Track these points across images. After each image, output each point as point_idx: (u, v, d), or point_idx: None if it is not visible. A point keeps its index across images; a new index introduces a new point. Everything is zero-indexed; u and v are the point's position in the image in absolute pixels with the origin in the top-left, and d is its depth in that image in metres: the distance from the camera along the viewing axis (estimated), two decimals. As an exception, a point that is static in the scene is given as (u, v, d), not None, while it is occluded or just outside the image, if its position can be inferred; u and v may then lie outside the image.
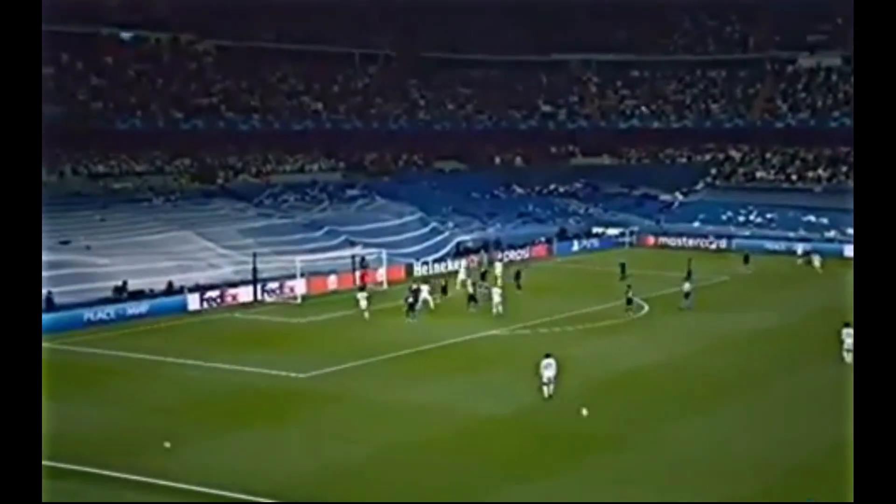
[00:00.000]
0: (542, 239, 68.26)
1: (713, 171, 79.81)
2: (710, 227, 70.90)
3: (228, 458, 24.90)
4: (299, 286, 49.59)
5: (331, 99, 78.36)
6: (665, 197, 78.21)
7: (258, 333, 41.54)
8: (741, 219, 71.93)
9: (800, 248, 62.72)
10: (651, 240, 70.99)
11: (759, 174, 77.89)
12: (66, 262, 46.29)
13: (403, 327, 42.04)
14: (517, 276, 51.09)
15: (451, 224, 67.29)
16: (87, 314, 42.73)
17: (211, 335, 40.97)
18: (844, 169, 72.52)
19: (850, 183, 64.56)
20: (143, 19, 72.87)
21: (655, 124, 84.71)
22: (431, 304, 45.46)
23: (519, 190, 79.40)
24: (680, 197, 77.86)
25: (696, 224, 72.02)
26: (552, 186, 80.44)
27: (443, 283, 49.91)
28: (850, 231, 59.84)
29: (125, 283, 46.12)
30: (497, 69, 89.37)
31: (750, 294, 50.56)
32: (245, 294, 48.17)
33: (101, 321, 42.66)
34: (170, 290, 46.94)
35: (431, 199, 70.87)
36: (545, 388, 29.49)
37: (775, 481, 22.92)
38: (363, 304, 43.86)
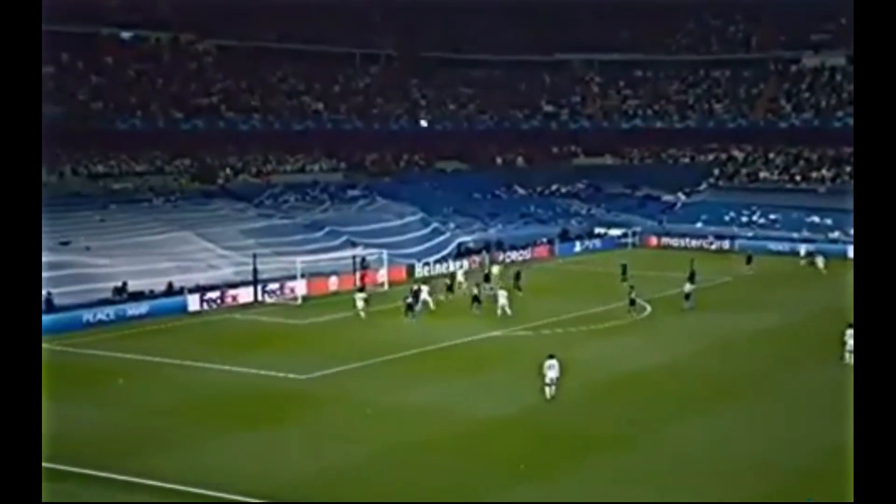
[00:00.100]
0: (544, 240, 68.03)
1: (716, 171, 79.54)
2: (713, 228, 70.67)
3: (228, 459, 24.81)
4: (300, 287, 49.39)
5: (332, 99, 78.17)
6: (668, 197, 77.98)
7: (258, 334, 41.40)
8: (744, 219, 71.71)
9: (803, 248, 62.48)
10: (654, 240, 70.77)
11: (762, 174, 77.64)
12: (66, 263, 46.13)
13: (404, 328, 41.86)
14: (517, 277, 50.75)
15: (452, 225, 67.09)
16: (87, 315, 42.56)
17: (211, 336, 40.83)
18: (848, 169, 72.09)
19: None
20: (143, 19, 72.74)
21: (658, 124, 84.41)
22: (431, 304, 45.24)
23: (521, 190, 79.18)
24: (683, 197, 77.63)
25: (699, 225, 71.79)
26: (554, 187, 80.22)
27: (447, 282, 49.73)
28: (854, 231, 59.62)
29: (125, 283, 45.95)
30: (499, 69, 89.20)
31: (753, 295, 50.35)
32: (245, 295, 47.98)
33: (101, 322, 42.50)
34: (170, 290, 46.76)
35: (433, 200, 70.69)
36: (547, 389, 29.43)
37: (776, 482, 22.88)
38: (360, 304, 43.69)
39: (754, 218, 71.54)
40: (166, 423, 27.72)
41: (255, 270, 48.40)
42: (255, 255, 49.18)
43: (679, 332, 40.99)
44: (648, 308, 45.38)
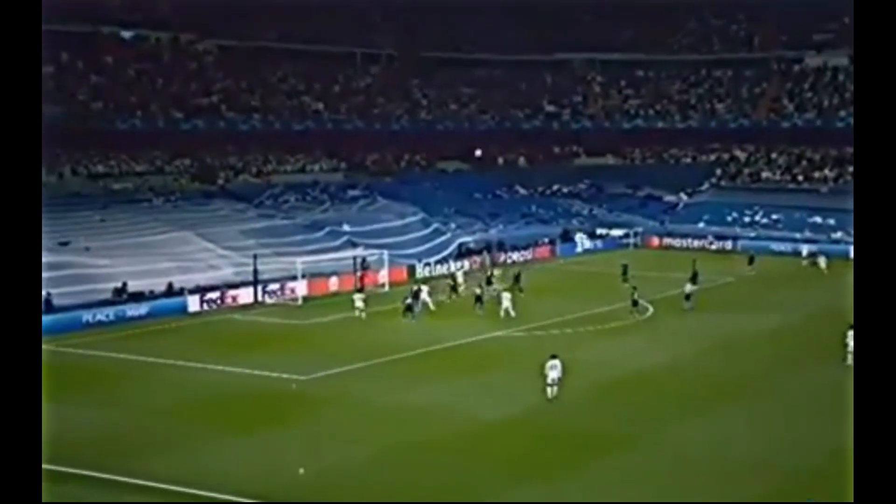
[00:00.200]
0: (546, 240, 67.84)
1: (718, 171, 79.36)
2: (715, 228, 70.50)
3: (228, 460, 24.71)
4: (300, 288, 49.22)
5: (332, 99, 78.00)
6: (670, 198, 77.81)
7: (259, 335, 41.24)
8: (746, 220, 71.54)
9: (805, 249, 62.30)
10: (656, 241, 70.58)
11: (764, 174, 77.47)
12: (66, 264, 45.90)
13: (405, 329, 41.69)
14: (517, 277, 50.45)
15: (453, 225, 66.90)
16: (87, 316, 42.36)
17: (211, 337, 40.66)
18: (851, 169, 71.91)
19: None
20: (143, 18, 72.59)
21: (660, 124, 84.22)
22: (431, 305, 45.05)
23: (522, 190, 78.98)
24: (685, 198, 77.46)
25: (701, 225, 71.61)
26: (555, 187, 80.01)
27: (450, 282, 49.54)
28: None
29: (125, 284, 45.75)
30: (500, 69, 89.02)
31: (755, 296, 50.23)
32: (245, 295, 47.80)
33: (101, 323, 42.30)
34: (170, 291, 46.58)
35: (434, 200, 70.51)
36: (549, 389, 29.43)
37: (776, 482, 22.88)
38: (359, 304, 43.57)
39: (756, 218, 71.37)
40: (166, 425, 27.63)
41: (255, 271, 48.22)
42: (255, 256, 49.00)
43: (681, 332, 40.93)
44: (651, 309, 45.23)
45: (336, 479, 23.27)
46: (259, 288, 48.14)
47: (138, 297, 45.54)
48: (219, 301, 46.80)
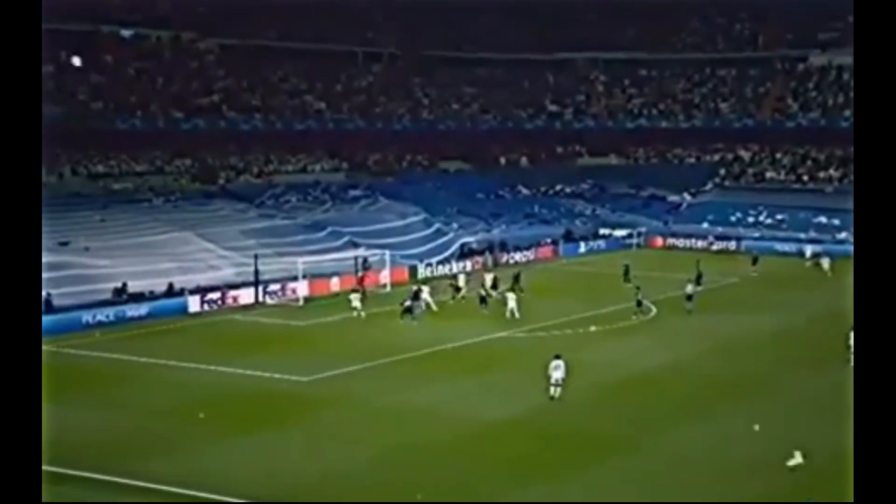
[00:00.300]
0: (548, 240, 67.60)
1: (722, 171, 79.08)
2: (718, 229, 70.18)
3: (229, 461, 24.68)
4: (301, 288, 49.00)
5: (334, 98, 77.77)
6: (673, 198, 77.54)
7: (260, 336, 41.12)
8: (751, 220, 71.24)
9: (809, 249, 62.02)
10: (659, 241, 70.29)
11: (769, 174, 77.18)
12: (66, 264, 45.75)
13: (407, 329, 41.47)
14: (516, 278, 49.79)
15: (455, 225, 66.66)
16: (86, 316, 42.14)
17: (211, 338, 40.49)
18: (854, 169, 71.81)
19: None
20: (143, 17, 72.38)
21: (663, 124, 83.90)
22: (433, 305, 44.81)
23: (524, 190, 78.72)
24: (688, 198, 77.20)
25: (705, 225, 71.28)
26: (558, 187, 79.74)
27: (452, 283, 49.25)
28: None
29: (125, 284, 45.55)
30: (502, 68, 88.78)
31: (758, 297, 50.01)
32: (246, 296, 47.59)
33: (101, 323, 42.07)
34: (170, 291, 46.38)
35: (435, 200, 70.27)
36: (552, 390, 29.47)
37: (777, 482, 22.88)
38: (356, 304, 43.39)
39: (761, 218, 71.06)
40: (167, 426, 27.58)
41: (256, 271, 48.01)
42: (256, 256, 48.81)
43: (684, 333, 40.90)
44: (654, 309, 45.03)
45: (337, 479, 23.22)
46: (260, 288, 47.93)
47: (138, 297, 45.33)
48: (219, 301, 46.60)
